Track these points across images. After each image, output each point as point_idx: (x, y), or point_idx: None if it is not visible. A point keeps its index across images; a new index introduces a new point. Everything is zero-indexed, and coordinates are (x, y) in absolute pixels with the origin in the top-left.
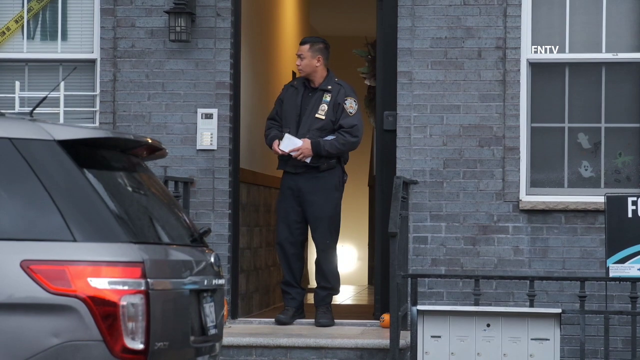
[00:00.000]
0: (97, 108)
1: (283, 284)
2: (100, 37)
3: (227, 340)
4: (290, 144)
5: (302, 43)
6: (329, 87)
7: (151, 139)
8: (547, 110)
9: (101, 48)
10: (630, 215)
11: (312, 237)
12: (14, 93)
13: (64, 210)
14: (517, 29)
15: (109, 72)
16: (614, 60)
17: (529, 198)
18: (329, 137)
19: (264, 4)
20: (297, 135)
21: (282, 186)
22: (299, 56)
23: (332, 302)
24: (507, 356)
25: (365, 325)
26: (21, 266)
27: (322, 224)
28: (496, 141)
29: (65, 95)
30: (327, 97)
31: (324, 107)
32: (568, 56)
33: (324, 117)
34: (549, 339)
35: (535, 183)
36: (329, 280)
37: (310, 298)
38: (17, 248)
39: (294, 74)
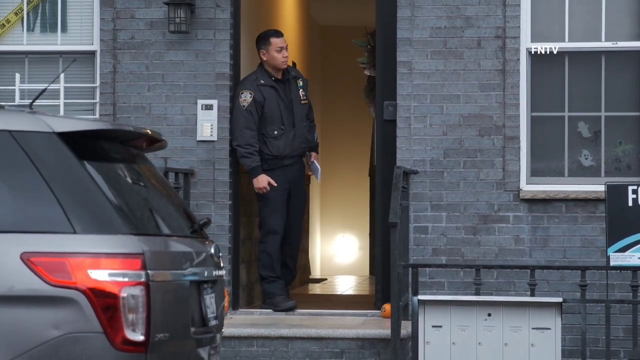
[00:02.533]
0: (97, 100)
1: (275, 277)
2: (100, 29)
3: (228, 331)
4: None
5: (282, 35)
6: (292, 72)
7: (151, 130)
8: (547, 99)
9: (101, 40)
10: (630, 204)
11: (295, 223)
12: (14, 85)
13: (63, 202)
14: (517, 18)
15: (108, 64)
16: (613, 49)
17: (529, 187)
18: (315, 135)
19: None
20: (295, 127)
21: (279, 180)
22: (286, 48)
23: (333, 293)
24: (508, 345)
25: (367, 315)
26: (21, 258)
27: (304, 210)
28: (496, 130)
29: (65, 87)
30: (300, 82)
31: (302, 92)
32: (568, 45)
33: (307, 101)
34: (550, 328)
35: (535, 172)
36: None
37: (313, 289)
38: (18, 240)
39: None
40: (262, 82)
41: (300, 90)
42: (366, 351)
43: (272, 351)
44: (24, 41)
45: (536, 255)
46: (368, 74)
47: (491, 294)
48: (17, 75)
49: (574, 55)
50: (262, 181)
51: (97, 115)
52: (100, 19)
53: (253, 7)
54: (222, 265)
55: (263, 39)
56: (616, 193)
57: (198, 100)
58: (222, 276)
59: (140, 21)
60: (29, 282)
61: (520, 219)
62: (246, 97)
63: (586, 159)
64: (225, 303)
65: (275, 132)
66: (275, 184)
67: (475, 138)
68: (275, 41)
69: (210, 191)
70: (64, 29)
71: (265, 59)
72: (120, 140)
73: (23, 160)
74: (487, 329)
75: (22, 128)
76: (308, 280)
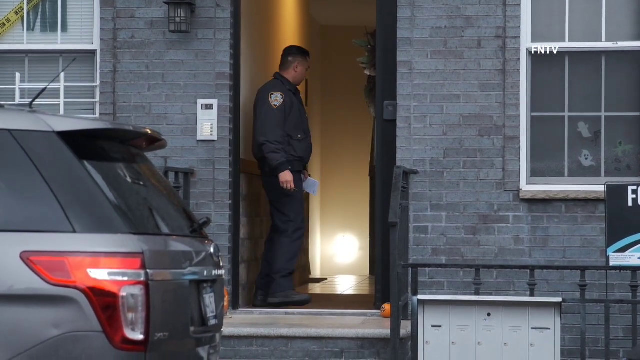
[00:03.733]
0: (97, 99)
1: (291, 272)
2: (100, 28)
3: (228, 330)
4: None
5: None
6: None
7: (151, 130)
8: (547, 99)
9: (101, 39)
10: (630, 204)
11: None
12: (14, 84)
13: (63, 202)
14: (517, 18)
15: (109, 63)
16: (613, 49)
17: (529, 187)
18: None
19: None
20: (306, 133)
21: (297, 184)
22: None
23: (333, 293)
24: (507, 345)
25: (366, 315)
26: (21, 257)
27: None
28: (496, 130)
29: (65, 87)
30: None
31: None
32: (568, 45)
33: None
34: (549, 328)
35: (535, 172)
36: None
37: (313, 289)
38: (17, 239)
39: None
40: (288, 87)
41: (301, 99)
42: (366, 351)
43: (271, 351)
44: (24, 40)
45: (536, 255)
46: (368, 74)
47: (491, 294)
48: (17, 75)
49: (574, 55)
50: (289, 175)
51: (97, 115)
52: (101, 18)
53: (253, 7)
54: (221, 264)
55: (303, 54)
56: (616, 193)
57: (198, 100)
58: (221, 276)
59: (141, 20)
60: (28, 282)
61: (520, 219)
62: (277, 97)
63: (586, 159)
64: (225, 302)
65: (299, 136)
66: (297, 190)
67: (475, 138)
68: (308, 60)
69: (210, 191)
70: (64, 28)
71: (294, 71)
72: (120, 140)
73: (23, 159)
74: (487, 329)
75: (22, 127)
76: (308, 280)
